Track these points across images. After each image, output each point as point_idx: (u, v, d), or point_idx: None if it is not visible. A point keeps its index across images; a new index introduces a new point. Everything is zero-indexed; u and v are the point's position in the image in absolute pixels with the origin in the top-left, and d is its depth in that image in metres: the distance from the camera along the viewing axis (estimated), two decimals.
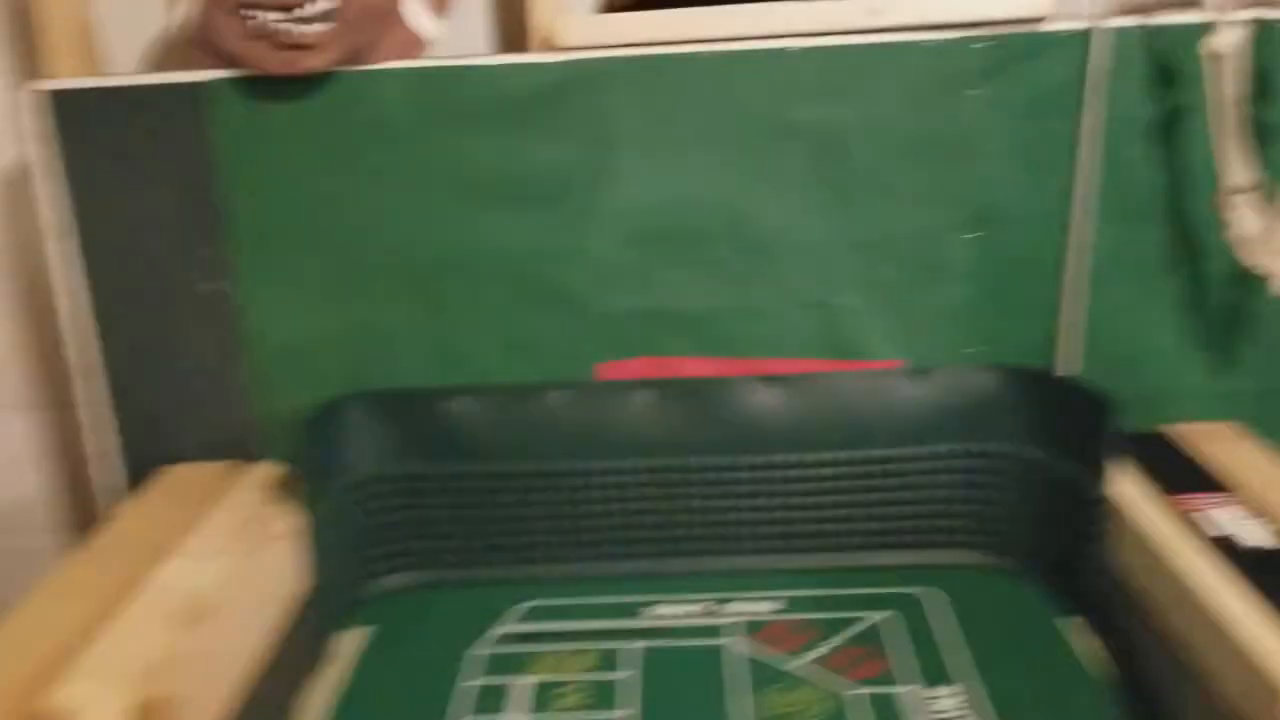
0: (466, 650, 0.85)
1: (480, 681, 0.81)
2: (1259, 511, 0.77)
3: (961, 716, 0.74)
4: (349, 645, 0.87)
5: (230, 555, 0.78)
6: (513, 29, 0.98)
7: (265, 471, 0.92)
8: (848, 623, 0.86)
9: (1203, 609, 0.68)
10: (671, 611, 0.89)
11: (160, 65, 1.00)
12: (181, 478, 0.93)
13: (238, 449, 0.95)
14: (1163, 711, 0.72)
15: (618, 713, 0.77)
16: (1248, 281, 0.88)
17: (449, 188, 0.90)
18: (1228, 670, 0.65)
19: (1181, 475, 0.82)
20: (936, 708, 0.75)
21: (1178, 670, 0.71)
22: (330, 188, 0.90)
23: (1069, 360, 0.92)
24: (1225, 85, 0.82)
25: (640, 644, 0.84)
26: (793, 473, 0.92)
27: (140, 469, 0.95)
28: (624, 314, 0.92)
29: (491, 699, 0.79)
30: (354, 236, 0.92)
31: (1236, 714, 0.64)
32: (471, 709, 0.78)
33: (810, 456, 0.92)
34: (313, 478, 0.86)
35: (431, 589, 0.94)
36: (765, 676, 0.80)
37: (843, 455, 0.92)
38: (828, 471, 0.92)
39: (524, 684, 0.80)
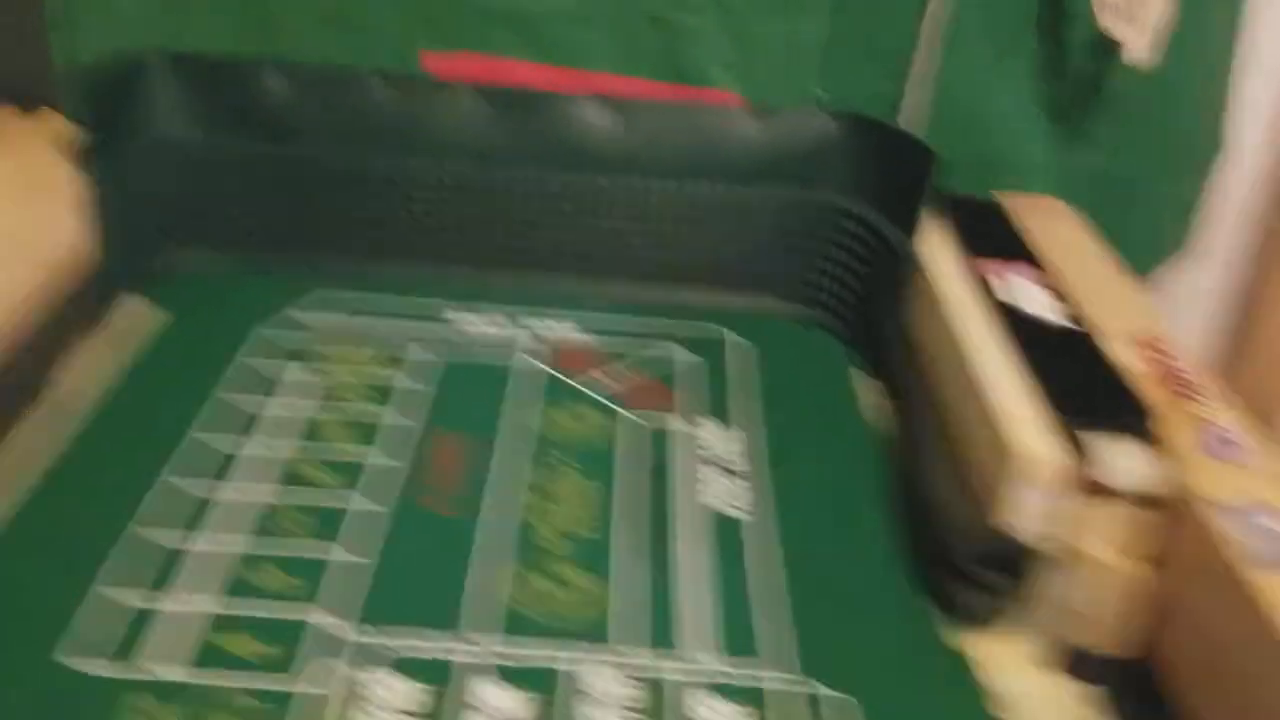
0: (252, 329, 0.83)
1: (261, 361, 0.79)
2: (1050, 286, 0.75)
3: (731, 460, 0.74)
4: (128, 315, 0.83)
5: None
6: None
7: (57, 123, 0.86)
8: (642, 352, 0.85)
9: (964, 367, 0.68)
10: (470, 320, 0.87)
11: None
12: None
13: (33, 93, 0.87)
14: (921, 468, 0.73)
15: (395, 413, 0.76)
16: (1105, 52, 0.84)
17: None
18: (976, 433, 0.66)
19: (992, 242, 0.80)
20: (710, 448, 0.75)
21: (935, 429, 0.71)
22: None
23: (914, 114, 0.87)
24: None
25: (431, 350, 0.83)
26: (617, 198, 0.88)
27: None
28: (456, 1, 0.85)
29: (268, 382, 0.77)
30: None
31: (980, 475, 0.65)
32: (247, 387, 0.77)
33: (637, 183, 0.88)
34: (105, 135, 0.80)
35: (223, 268, 0.90)
36: (551, 393, 0.79)
37: (670, 186, 0.88)
38: (653, 201, 0.89)
39: (305, 373, 0.79)
